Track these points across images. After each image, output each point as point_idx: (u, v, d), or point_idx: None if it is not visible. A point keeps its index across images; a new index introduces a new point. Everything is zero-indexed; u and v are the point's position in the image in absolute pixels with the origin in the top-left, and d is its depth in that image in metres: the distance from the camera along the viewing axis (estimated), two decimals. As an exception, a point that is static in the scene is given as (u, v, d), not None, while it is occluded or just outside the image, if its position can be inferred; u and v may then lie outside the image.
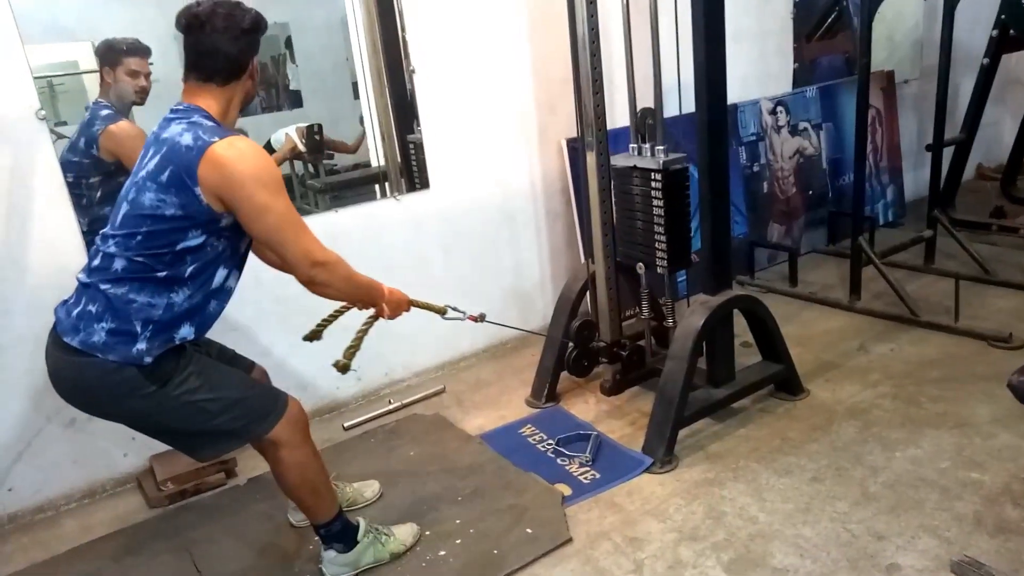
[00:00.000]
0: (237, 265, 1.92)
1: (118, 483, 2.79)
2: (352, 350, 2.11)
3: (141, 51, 2.61)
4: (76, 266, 2.49)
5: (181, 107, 1.82)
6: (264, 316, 2.88)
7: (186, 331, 1.84)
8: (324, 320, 2.23)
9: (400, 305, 2.12)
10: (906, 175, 4.94)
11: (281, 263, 1.93)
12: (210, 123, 1.79)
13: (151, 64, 2.62)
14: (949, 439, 2.52)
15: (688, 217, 2.70)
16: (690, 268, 2.87)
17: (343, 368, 2.08)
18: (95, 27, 2.65)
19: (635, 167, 2.69)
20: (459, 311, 2.32)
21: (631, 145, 2.73)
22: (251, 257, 2.02)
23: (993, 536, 2.06)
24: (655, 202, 2.64)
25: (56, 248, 2.52)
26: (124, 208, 1.79)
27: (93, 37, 2.65)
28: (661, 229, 2.66)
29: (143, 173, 1.77)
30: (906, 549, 2.05)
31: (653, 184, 2.63)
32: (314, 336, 2.23)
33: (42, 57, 2.45)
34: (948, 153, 3.99)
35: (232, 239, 1.85)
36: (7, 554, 2.48)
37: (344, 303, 2.15)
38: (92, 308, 1.78)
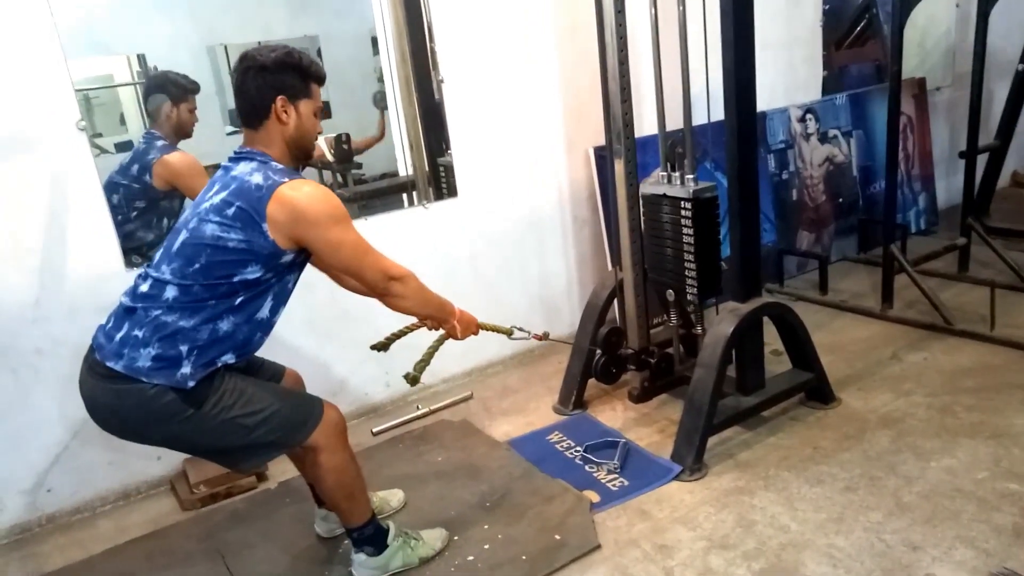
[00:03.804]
0: (284, 300, 1.97)
1: (152, 486, 2.84)
2: (423, 364, 2.21)
3: (197, 90, 2.75)
4: (112, 273, 2.57)
5: (245, 150, 1.88)
6: (293, 321, 2.91)
7: (228, 357, 1.87)
8: (394, 334, 2.29)
9: (470, 326, 2.20)
10: (938, 183, 4.88)
11: (358, 286, 2.04)
12: (278, 165, 1.86)
13: None
14: (985, 449, 2.48)
15: (718, 245, 2.69)
16: (720, 295, 2.84)
17: (413, 380, 2.18)
18: (131, 41, 2.73)
19: (665, 195, 2.69)
20: (524, 331, 2.40)
21: (660, 173, 2.71)
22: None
23: (1033, 548, 2.02)
24: (685, 230, 2.64)
25: (93, 256, 2.58)
26: (183, 236, 1.83)
27: (129, 51, 2.73)
28: (691, 256, 2.65)
29: (206, 205, 1.82)
30: (943, 560, 2.02)
31: (683, 212, 2.62)
32: (382, 347, 2.29)
33: (80, 71, 2.52)
34: (982, 160, 3.93)
35: (286, 275, 1.92)
36: (46, 553, 2.53)
37: (415, 321, 2.20)
38: (138, 333, 1.81)
